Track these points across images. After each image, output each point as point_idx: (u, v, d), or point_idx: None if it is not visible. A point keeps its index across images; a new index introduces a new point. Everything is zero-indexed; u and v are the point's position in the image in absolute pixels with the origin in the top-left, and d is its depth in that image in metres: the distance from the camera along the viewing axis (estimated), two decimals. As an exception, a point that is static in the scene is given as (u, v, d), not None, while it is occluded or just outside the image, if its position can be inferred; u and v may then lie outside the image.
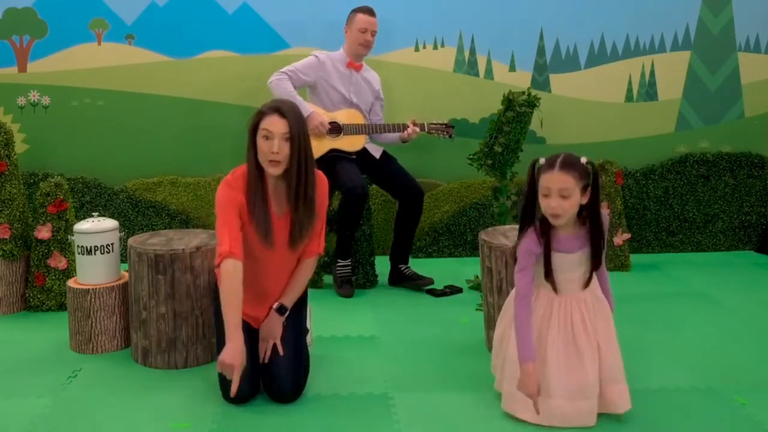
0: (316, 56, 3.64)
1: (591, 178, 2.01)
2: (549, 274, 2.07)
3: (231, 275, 2.17)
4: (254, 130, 2.23)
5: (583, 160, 2.01)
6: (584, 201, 2.02)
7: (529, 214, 2.09)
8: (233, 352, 2.12)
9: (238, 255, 2.19)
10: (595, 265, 2.09)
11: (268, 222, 2.26)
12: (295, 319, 2.43)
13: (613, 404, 2.10)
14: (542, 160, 2.04)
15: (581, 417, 2.06)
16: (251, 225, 2.27)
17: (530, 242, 2.07)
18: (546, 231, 2.06)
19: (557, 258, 2.07)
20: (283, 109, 2.21)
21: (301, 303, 2.49)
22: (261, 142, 2.21)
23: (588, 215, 2.06)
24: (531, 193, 2.06)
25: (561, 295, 2.10)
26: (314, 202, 2.31)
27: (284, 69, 3.57)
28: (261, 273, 2.35)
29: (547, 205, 2.00)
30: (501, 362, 2.24)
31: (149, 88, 4.25)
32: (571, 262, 2.08)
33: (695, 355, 2.71)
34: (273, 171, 2.23)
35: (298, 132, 2.21)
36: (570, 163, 1.98)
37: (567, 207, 1.99)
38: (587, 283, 2.11)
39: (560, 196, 1.98)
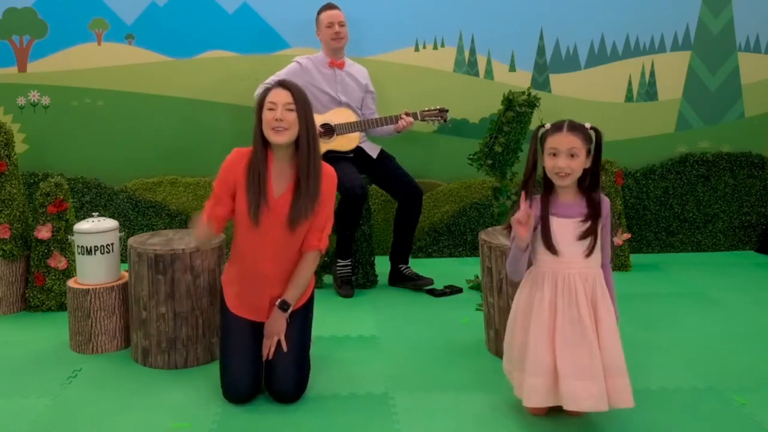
0: (298, 62, 3.67)
1: (594, 143, 2.08)
2: (548, 239, 2.08)
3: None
4: (260, 107, 2.29)
5: (587, 125, 2.09)
6: (587, 165, 2.09)
7: (532, 180, 2.13)
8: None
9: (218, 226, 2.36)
10: (591, 229, 2.08)
11: (260, 199, 2.26)
12: (302, 318, 2.43)
13: (613, 399, 2.05)
14: (548, 125, 2.11)
15: (592, 399, 2.00)
16: (244, 202, 2.28)
17: (533, 205, 2.12)
18: (546, 197, 2.12)
19: (556, 223, 2.09)
20: (287, 83, 2.31)
21: (308, 303, 2.48)
22: (265, 114, 2.27)
23: (590, 180, 2.11)
24: (535, 160, 2.12)
25: (563, 266, 2.09)
26: (319, 182, 2.31)
27: (267, 80, 3.60)
28: (258, 255, 2.33)
29: (555, 164, 2.05)
30: (518, 362, 2.19)
31: (149, 88, 4.25)
32: (569, 229, 2.09)
33: (695, 355, 2.71)
34: (277, 138, 2.25)
35: (304, 104, 2.29)
36: (576, 126, 2.07)
37: (575, 166, 2.05)
38: (589, 253, 2.09)
39: (569, 155, 2.04)
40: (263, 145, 2.30)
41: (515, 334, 2.20)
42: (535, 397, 2.08)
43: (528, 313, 2.14)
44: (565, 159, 2.04)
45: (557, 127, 2.08)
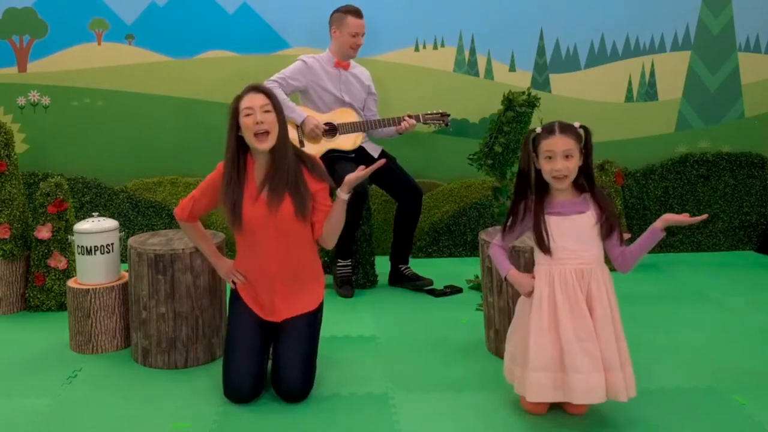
0: (304, 60, 3.65)
1: (584, 141, 2.11)
2: (541, 240, 2.09)
3: (185, 229, 2.49)
4: (235, 114, 2.30)
5: (576, 124, 2.11)
6: (580, 163, 2.11)
7: (525, 187, 2.15)
8: (228, 268, 2.47)
9: (183, 217, 2.45)
10: (607, 230, 2.11)
11: (239, 202, 2.30)
12: (311, 320, 2.43)
13: (609, 393, 2.04)
14: (538, 129, 2.12)
15: (601, 390, 2.00)
16: (225, 205, 2.32)
17: (525, 208, 2.15)
18: (540, 198, 2.14)
19: (552, 221, 2.10)
20: (258, 87, 2.34)
21: (319, 307, 2.48)
22: (244, 120, 2.28)
23: (584, 177, 2.13)
24: (529, 164, 2.13)
25: (559, 263, 2.09)
26: (300, 178, 2.33)
27: (274, 77, 3.59)
28: (261, 255, 2.35)
29: (552, 167, 2.07)
30: (520, 358, 2.18)
31: (149, 88, 4.25)
32: (565, 226, 2.10)
33: (695, 355, 2.71)
34: (262, 146, 2.27)
35: (279, 104, 2.32)
36: (568, 127, 2.10)
37: (572, 167, 2.07)
38: (596, 254, 2.11)
39: (564, 157, 2.06)
40: (239, 149, 2.32)
41: (516, 329, 2.21)
42: (539, 391, 2.07)
43: (528, 310, 2.14)
44: (561, 161, 2.06)
45: (549, 131, 2.09)
